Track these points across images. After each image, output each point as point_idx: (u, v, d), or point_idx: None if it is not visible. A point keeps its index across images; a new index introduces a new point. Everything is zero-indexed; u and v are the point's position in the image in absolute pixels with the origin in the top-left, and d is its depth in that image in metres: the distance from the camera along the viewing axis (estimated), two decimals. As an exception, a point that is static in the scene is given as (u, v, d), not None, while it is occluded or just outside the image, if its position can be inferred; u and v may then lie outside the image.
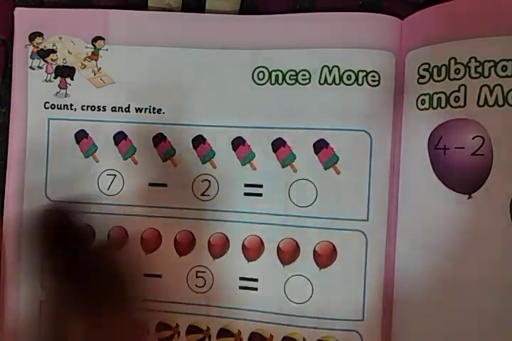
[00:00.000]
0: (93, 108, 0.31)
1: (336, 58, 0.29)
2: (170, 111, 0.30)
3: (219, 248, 0.30)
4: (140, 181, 0.31)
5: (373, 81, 0.28)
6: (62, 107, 0.31)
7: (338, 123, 0.29)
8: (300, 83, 0.29)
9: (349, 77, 0.28)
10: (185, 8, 0.31)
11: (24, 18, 0.31)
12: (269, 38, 0.29)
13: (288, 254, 0.29)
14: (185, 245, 0.30)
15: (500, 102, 0.25)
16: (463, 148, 0.26)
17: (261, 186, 0.29)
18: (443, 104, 0.27)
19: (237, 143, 0.30)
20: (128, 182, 0.31)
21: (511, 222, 0.25)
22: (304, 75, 0.29)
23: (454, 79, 0.26)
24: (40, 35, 0.31)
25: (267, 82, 0.29)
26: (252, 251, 0.30)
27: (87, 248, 0.26)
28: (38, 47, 0.31)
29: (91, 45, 0.31)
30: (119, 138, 0.31)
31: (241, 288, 0.30)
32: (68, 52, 0.31)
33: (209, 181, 0.30)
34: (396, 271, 0.28)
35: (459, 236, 0.26)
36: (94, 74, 0.31)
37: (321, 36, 0.29)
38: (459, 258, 0.26)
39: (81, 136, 0.31)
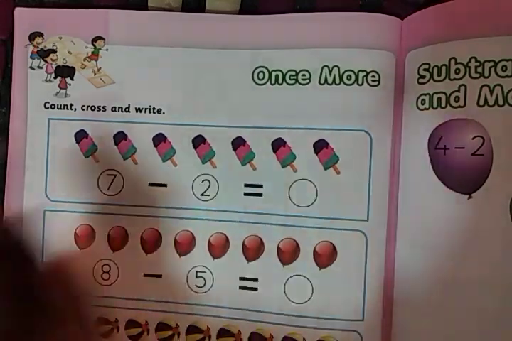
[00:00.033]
0: (93, 108, 0.31)
1: (336, 58, 0.29)
2: (170, 111, 0.30)
3: (219, 248, 0.30)
4: (140, 181, 0.31)
5: (373, 81, 0.28)
6: (62, 107, 0.31)
7: (338, 123, 0.29)
8: (300, 83, 0.29)
9: (349, 77, 0.28)
10: (185, 8, 0.31)
11: (24, 18, 0.31)
12: (269, 38, 0.29)
13: (288, 254, 0.29)
14: (185, 245, 0.30)
15: (500, 102, 0.25)
16: (463, 148, 0.26)
17: (261, 186, 0.29)
18: (443, 104, 0.27)
19: (237, 143, 0.30)
20: (128, 182, 0.31)
21: (511, 221, 0.25)
22: (304, 75, 0.29)
23: (454, 79, 0.26)
24: (40, 35, 0.31)
25: (267, 82, 0.29)
26: (252, 251, 0.30)
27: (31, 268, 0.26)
28: (38, 47, 0.31)
29: (91, 45, 0.31)
30: (119, 138, 0.31)
31: (241, 288, 0.30)
32: (68, 52, 0.31)
33: (209, 181, 0.30)
34: (396, 271, 0.28)
35: (459, 236, 0.26)
36: (94, 74, 0.31)
37: (321, 36, 0.29)
38: (459, 258, 0.26)
39: (81, 136, 0.31)
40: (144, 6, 0.31)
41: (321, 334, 0.29)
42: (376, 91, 0.28)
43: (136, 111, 0.30)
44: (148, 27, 0.30)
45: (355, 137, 0.28)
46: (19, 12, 0.31)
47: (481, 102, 0.26)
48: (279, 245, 0.29)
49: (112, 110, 0.31)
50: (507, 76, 0.25)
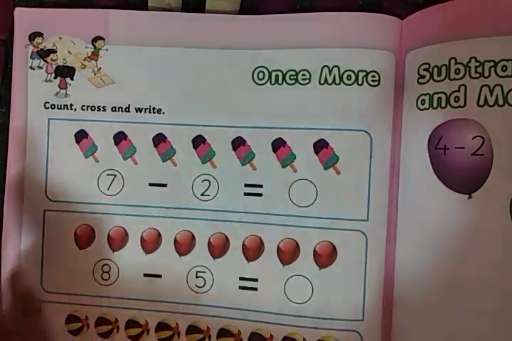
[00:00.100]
0: (93, 108, 0.31)
1: (336, 58, 0.29)
2: (170, 111, 0.30)
3: (219, 248, 0.30)
4: (140, 181, 0.31)
5: (373, 81, 0.28)
6: (62, 107, 0.31)
7: (338, 123, 0.29)
8: (300, 83, 0.29)
9: (349, 77, 0.28)
10: (185, 8, 0.31)
11: (24, 18, 0.31)
12: (269, 38, 0.29)
13: (288, 254, 0.29)
14: (185, 245, 0.30)
15: (500, 102, 0.25)
16: (463, 148, 0.26)
17: (261, 186, 0.29)
18: (443, 104, 0.27)
19: (237, 143, 0.30)
20: (128, 182, 0.31)
21: (511, 221, 0.25)
22: (304, 75, 0.29)
23: (454, 79, 0.26)
24: (40, 35, 0.31)
25: (267, 82, 0.29)
26: (252, 251, 0.30)
27: None
28: (38, 47, 0.31)
29: (91, 45, 0.31)
30: (119, 138, 0.31)
31: (241, 288, 0.30)
32: (68, 52, 0.31)
33: (209, 181, 0.30)
34: (396, 271, 0.28)
35: (459, 236, 0.26)
36: (94, 74, 0.31)
37: (321, 36, 0.29)
38: (459, 258, 0.26)
39: (81, 136, 0.31)
40: (144, 6, 0.31)
41: (321, 334, 0.29)
42: (376, 92, 0.28)
43: (136, 111, 0.30)
44: (148, 27, 0.30)
45: (355, 137, 0.28)
46: (19, 12, 0.31)
47: (481, 102, 0.26)
48: (279, 245, 0.29)
49: (112, 110, 0.31)
50: (507, 76, 0.25)
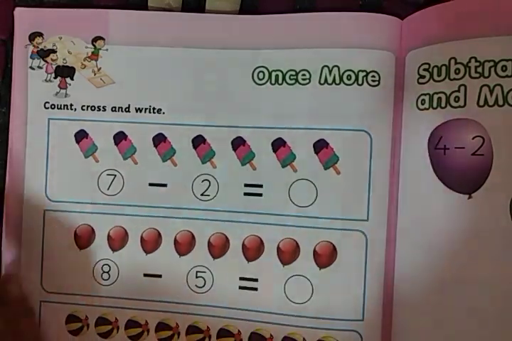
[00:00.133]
0: (93, 108, 0.31)
1: (336, 58, 0.29)
2: (170, 111, 0.30)
3: (219, 248, 0.30)
4: (140, 181, 0.31)
5: (373, 81, 0.28)
6: (62, 107, 0.31)
7: (338, 123, 0.29)
8: (300, 83, 0.29)
9: (349, 77, 0.28)
10: (185, 8, 0.31)
11: (24, 18, 0.31)
12: (269, 38, 0.29)
13: (288, 254, 0.29)
14: (185, 245, 0.30)
15: (500, 102, 0.25)
16: (463, 148, 0.26)
17: (261, 186, 0.29)
18: (443, 104, 0.27)
19: (237, 143, 0.30)
20: (128, 182, 0.31)
21: (511, 221, 0.25)
22: (304, 75, 0.29)
23: (454, 79, 0.26)
24: (40, 35, 0.31)
25: (267, 82, 0.29)
26: (252, 251, 0.30)
27: None
28: (38, 47, 0.31)
29: (91, 45, 0.31)
30: (119, 138, 0.31)
31: (241, 288, 0.30)
32: (68, 52, 0.31)
33: (209, 181, 0.30)
34: (396, 271, 0.28)
35: (459, 236, 0.26)
36: (94, 74, 0.31)
37: (321, 36, 0.29)
38: (459, 258, 0.26)
39: (81, 136, 0.31)
40: (144, 6, 0.31)
41: (321, 335, 0.29)
42: (376, 91, 0.28)
43: (136, 111, 0.30)
44: (148, 27, 0.30)
45: (355, 137, 0.28)
46: (19, 12, 0.31)
47: (481, 102, 0.26)
48: (279, 245, 0.29)
49: (112, 110, 0.31)
50: (507, 76, 0.25)
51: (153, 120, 0.30)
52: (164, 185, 0.30)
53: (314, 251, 0.29)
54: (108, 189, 0.31)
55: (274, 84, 0.29)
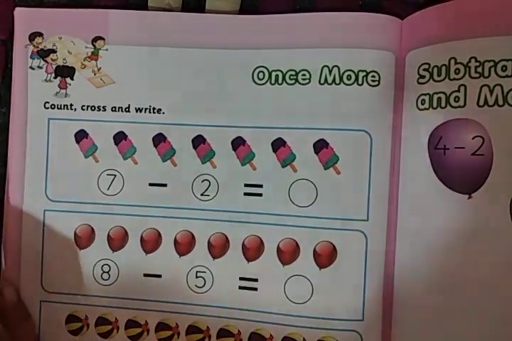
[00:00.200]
0: (93, 108, 0.31)
1: (336, 58, 0.29)
2: (170, 111, 0.30)
3: (219, 248, 0.30)
4: (140, 181, 0.31)
5: (373, 81, 0.28)
6: (62, 107, 0.31)
7: (338, 123, 0.29)
8: (300, 83, 0.29)
9: (349, 77, 0.28)
10: (185, 8, 0.31)
11: (24, 18, 0.31)
12: (269, 38, 0.29)
13: (288, 254, 0.29)
14: (185, 245, 0.30)
15: (500, 102, 0.25)
16: (463, 148, 0.26)
17: (261, 186, 0.29)
18: (443, 104, 0.27)
19: (237, 143, 0.30)
20: (128, 182, 0.31)
21: (511, 221, 0.25)
22: (304, 75, 0.29)
23: (454, 79, 0.26)
24: (40, 35, 0.31)
25: (267, 82, 0.29)
26: (252, 251, 0.30)
27: None
28: (38, 47, 0.31)
29: (91, 45, 0.31)
30: (119, 138, 0.31)
31: (241, 288, 0.30)
32: (68, 52, 0.31)
33: (209, 181, 0.30)
34: (396, 271, 0.28)
35: (459, 236, 0.26)
36: (94, 74, 0.31)
37: (321, 36, 0.29)
38: (458, 258, 0.26)
39: (81, 136, 0.31)
40: (144, 6, 0.31)
41: (321, 335, 0.29)
42: (376, 91, 0.28)
43: (136, 111, 0.30)
44: (148, 27, 0.30)
45: (355, 137, 0.28)
46: (19, 12, 0.31)
47: (481, 102, 0.26)
48: (279, 245, 0.29)
49: (112, 110, 0.31)
50: (507, 76, 0.25)
51: (153, 120, 0.30)
52: (164, 185, 0.30)
53: (314, 251, 0.29)
54: (108, 189, 0.31)
55: (274, 84, 0.29)
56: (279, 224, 0.29)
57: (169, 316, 0.30)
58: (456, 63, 0.26)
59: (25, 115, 0.31)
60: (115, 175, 0.31)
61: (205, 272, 0.30)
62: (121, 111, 0.31)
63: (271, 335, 0.29)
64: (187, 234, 0.30)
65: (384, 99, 0.28)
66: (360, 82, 0.28)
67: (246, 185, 0.30)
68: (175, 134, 0.30)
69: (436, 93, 0.27)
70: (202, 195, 0.30)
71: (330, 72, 0.29)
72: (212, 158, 0.30)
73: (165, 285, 0.30)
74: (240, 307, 0.30)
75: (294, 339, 0.29)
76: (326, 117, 0.29)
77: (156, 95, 0.30)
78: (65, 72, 0.31)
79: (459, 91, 0.26)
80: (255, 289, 0.29)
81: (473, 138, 0.26)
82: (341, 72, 0.28)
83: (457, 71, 0.26)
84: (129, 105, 0.31)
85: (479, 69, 0.26)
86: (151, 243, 0.30)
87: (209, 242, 0.30)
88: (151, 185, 0.30)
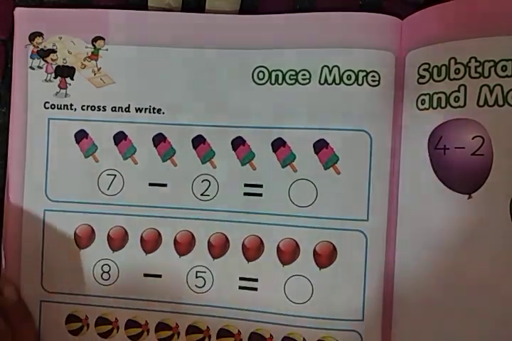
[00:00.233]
0: (93, 108, 0.31)
1: (336, 58, 0.29)
2: (170, 111, 0.30)
3: (219, 248, 0.30)
4: (140, 181, 0.31)
5: (373, 81, 0.28)
6: (62, 107, 0.31)
7: (338, 123, 0.29)
8: (300, 83, 0.29)
9: (349, 77, 0.28)
10: (185, 8, 0.31)
11: (24, 18, 0.31)
12: (269, 38, 0.29)
13: (288, 254, 0.29)
14: (185, 245, 0.30)
15: (500, 102, 0.25)
16: (463, 148, 0.26)
17: (261, 186, 0.29)
18: (443, 104, 0.27)
19: (237, 143, 0.30)
20: (128, 182, 0.31)
21: (511, 221, 0.25)
22: (304, 75, 0.29)
23: (454, 79, 0.26)
24: (40, 35, 0.31)
25: (267, 81, 0.29)
26: (252, 251, 0.30)
27: None
28: (38, 47, 0.31)
29: (91, 45, 0.31)
30: (119, 138, 0.31)
31: (241, 288, 0.30)
32: (68, 52, 0.31)
33: (209, 181, 0.30)
34: (396, 271, 0.28)
35: (459, 236, 0.26)
36: (94, 74, 0.31)
37: (321, 36, 0.29)
38: (458, 258, 0.26)
39: (81, 136, 0.31)
40: (144, 6, 0.31)
41: (321, 335, 0.29)
42: (376, 91, 0.28)
43: (136, 111, 0.30)
44: (148, 27, 0.30)
45: (355, 137, 0.28)
46: (19, 12, 0.31)
47: (481, 102, 0.26)
48: (279, 245, 0.29)
49: (112, 110, 0.31)
50: (507, 76, 0.25)
51: (153, 120, 0.30)
52: (164, 185, 0.30)
53: (314, 251, 0.29)
54: (108, 189, 0.31)
55: (274, 84, 0.29)
56: (279, 224, 0.29)
57: (169, 316, 0.30)
58: (456, 63, 0.26)
59: (25, 115, 0.31)
60: (115, 175, 0.31)
61: (205, 272, 0.30)
62: (121, 111, 0.31)
63: (271, 335, 0.29)
64: (187, 234, 0.30)
65: (384, 99, 0.28)
66: (360, 82, 0.28)
67: (246, 185, 0.30)
68: (175, 134, 0.30)
69: (436, 93, 0.27)
70: (202, 195, 0.30)
71: (330, 72, 0.29)
72: (212, 158, 0.30)
73: (165, 285, 0.30)
74: (240, 307, 0.30)
75: (294, 339, 0.29)
76: (325, 117, 0.29)
77: (156, 95, 0.30)
78: (65, 72, 0.31)
79: (459, 91, 0.26)
80: (255, 289, 0.29)
81: (473, 138, 0.26)
82: (341, 72, 0.28)
83: (457, 71, 0.26)
84: (129, 105, 0.31)
85: (479, 69, 0.26)
86: (151, 243, 0.30)
87: (209, 242, 0.30)
88: (151, 185, 0.30)
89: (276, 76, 0.29)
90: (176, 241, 0.30)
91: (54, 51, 0.31)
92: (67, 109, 0.31)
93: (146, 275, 0.30)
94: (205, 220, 0.30)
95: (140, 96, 0.30)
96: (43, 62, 0.31)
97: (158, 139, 0.30)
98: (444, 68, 0.27)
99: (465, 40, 0.26)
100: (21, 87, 0.31)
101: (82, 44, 0.31)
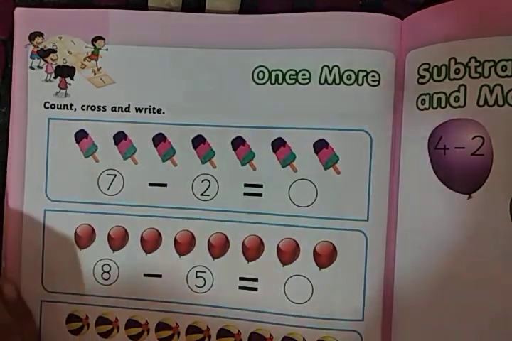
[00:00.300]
0: (93, 108, 0.31)
1: (336, 58, 0.29)
2: (170, 111, 0.30)
3: (219, 248, 0.30)
4: (140, 181, 0.31)
5: (373, 81, 0.28)
6: (62, 107, 0.31)
7: (338, 123, 0.29)
8: (300, 83, 0.29)
9: (349, 77, 0.28)
10: (185, 8, 0.31)
11: (24, 18, 0.31)
12: (269, 38, 0.29)
13: (288, 254, 0.29)
14: (185, 245, 0.30)
15: (500, 102, 0.25)
16: (463, 148, 0.26)
17: (261, 186, 0.29)
18: (443, 104, 0.27)
19: (237, 143, 0.30)
20: (128, 182, 0.31)
21: (511, 221, 0.25)
22: (304, 75, 0.29)
23: (454, 79, 0.26)
24: (40, 35, 0.31)
25: (267, 81, 0.29)
26: (252, 251, 0.30)
27: None
28: (38, 47, 0.31)
29: (91, 45, 0.31)
30: (119, 138, 0.31)
31: (241, 288, 0.30)
32: (68, 52, 0.31)
33: (209, 181, 0.30)
34: (396, 271, 0.28)
35: (459, 236, 0.26)
36: (94, 74, 0.31)
37: (321, 36, 0.29)
38: (458, 258, 0.26)
39: (81, 136, 0.31)
40: (144, 6, 0.31)
41: (321, 334, 0.29)
42: (376, 91, 0.28)
43: (136, 111, 0.30)
44: (148, 27, 0.30)
45: (355, 137, 0.28)
46: (19, 12, 0.31)
47: (481, 102, 0.26)
48: (279, 245, 0.29)
49: (112, 110, 0.31)
50: (507, 76, 0.25)
51: (153, 120, 0.30)
52: (164, 185, 0.30)
53: (314, 251, 0.29)
54: (108, 189, 0.31)
55: (274, 84, 0.29)
56: (279, 224, 0.29)
57: (169, 316, 0.30)
58: (456, 63, 0.26)
59: (25, 115, 0.31)
60: (115, 175, 0.31)
61: (205, 272, 0.30)
62: (121, 111, 0.31)
63: (271, 335, 0.29)
64: (187, 234, 0.30)
65: (384, 99, 0.28)
66: (360, 82, 0.28)
67: (246, 185, 0.30)
68: (175, 134, 0.30)
69: (436, 93, 0.27)
70: (202, 194, 0.30)
71: (330, 72, 0.29)
72: (212, 158, 0.30)
73: (165, 285, 0.30)
74: (240, 307, 0.30)
75: (294, 339, 0.29)
76: (326, 117, 0.29)
77: (156, 95, 0.30)
78: (65, 72, 0.31)
79: (459, 91, 0.26)
80: (255, 289, 0.29)
81: (473, 138, 0.26)
82: (341, 72, 0.28)
83: (457, 71, 0.26)
84: (129, 105, 0.31)
85: (479, 69, 0.26)
86: (151, 243, 0.30)
87: (209, 242, 0.30)
88: (151, 185, 0.30)
89: (276, 76, 0.29)
90: (176, 241, 0.30)
91: (54, 51, 0.31)
92: (67, 108, 0.31)
93: (146, 275, 0.30)
94: (205, 220, 0.30)
95: (140, 96, 0.30)
96: (43, 62, 0.31)
97: (158, 139, 0.30)
98: (444, 68, 0.27)
99: (465, 40, 0.26)
100: (21, 87, 0.31)
101: (82, 44, 0.31)
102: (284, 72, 0.29)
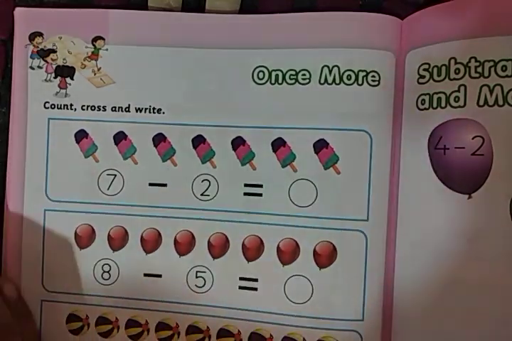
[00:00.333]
0: (93, 108, 0.31)
1: (336, 58, 0.29)
2: (170, 111, 0.30)
3: (219, 248, 0.30)
4: (140, 181, 0.31)
5: (373, 81, 0.28)
6: (62, 107, 0.31)
7: (338, 123, 0.29)
8: (300, 83, 0.29)
9: (349, 77, 0.28)
10: (185, 8, 0.31)
11: (24, 18, 0.31)
12: (269, 38, 0.29)
13: (288, 254, 0.29)
14: (185, 245, 0.30)
15: (500, 102, 0.25)
16: (463, 148, 0.26)
17: (261, 186, 0.29)
18: (443, 104, 0.27)
19: (237, 143, 0.30)
20: (128, 182, 0.31)
21: (511, 221, 0.25)
22: (304, 75, 0.29)
23: (454, 79, 0.26)
24: (40, 35, 0.31)
25: (266, 81, 0.29)
26: (252, 251, 0.30)
27: None
28: (38, 47, 0.31)
29: (91, 45, 0.31)
30: (119, 138, 0.31)
31: (241, 288, 0.30)
32: (68, 52, 0.31)
33: (209, 181, 0.30)
34: (396, 271, 0.28)
35: (459, 236, 0.26)
36: (94, 74, 0.31)
37: (321, 36, 0.29)
38: (458, 258, 0.26)
39: (81, 136, 0.31)
40: (144, 6, 0.31)
41: (321, 335, 0.29)
42: (376, 91, 0.28)
43: (136, 111, 0.30)
44: (148, 27, 0.30)
45: (355, 137, 0.28)
46: (19, 12, 0.31)
47: (481, 102, 0.26)
48: (279, 245, 0.29)
49: (112, 110, 0.31)
50: (507, 76, 0.25)
51: (153, 120, 0.30)
52: (164, 185, 0.30)
53: (314, 251, 0.29)
54: (108, 189, 0.31)
55: (274, 84, 0.29)
56: (279, 224, 0.29)
57: (169, 316, 0.30)
58: (456, 63, 0.26)
59: (25, 115, 0.31)
60: (115, 175, 0.31)
61: (205, 272, 0.30)
62: (121, 111, 0.31)
63: (271, 335, 0.29)
64: (187, 234, 0.30)
65: (384, 99, 0.28)
66: (360, 82, 0.28)
67: (246, 185, 0.30)
68: (175, 134, 0.30)
69: (436, 93, 0.27)
70: (202, 194, 0.30)
71: (330, 72, 0.29)
72: (212, 158, 0.30)
73: (165, 285, 0.30)
74: (240, 307, 0.30)
75: (294, 339, 0.29)
76: (326, 117, 0.29)
77: (156, 95, 0.30)
78: (65, 72, 0.31)
79: (459, 91, 0.26)
80: (255, 289, 0.29)
81: (473, 138, 0.26)
82: (341, 72, 0.28)
83: (457, 71, 0.26)
84: (129, 105, 0.31)
85: (479, 69, 0.26)
86: (151, 243, 0.30)
87: (209, 242, 0.30)
88: (151, 185, 0.30)
89: (276, 76, 0.29)
90: (176, 241, 0.30)
91: (54, 51, 0.31)
92: (67, 108, 0.31)
93: (146, 275, 0.31)
94: (205, 220, 0.30)
95: (140, 96, 0.30)
96: (43, 62, 0.31)
97: (158, 139, 0.30)
98: (444, 68, 0.27)
99: (465, 40, 0.26)
100: (21, 87, 0.31)
101: (82, 44, 0.31)
102: (284, 72, 0.29)
